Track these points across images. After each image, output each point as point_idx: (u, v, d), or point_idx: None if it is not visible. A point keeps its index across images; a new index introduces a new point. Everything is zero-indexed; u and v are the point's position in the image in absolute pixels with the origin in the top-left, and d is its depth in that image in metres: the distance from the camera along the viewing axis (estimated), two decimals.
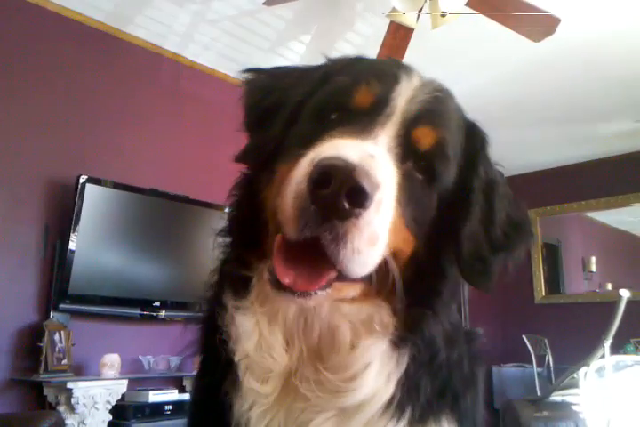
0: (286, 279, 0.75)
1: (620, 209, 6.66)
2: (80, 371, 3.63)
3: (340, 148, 0.74)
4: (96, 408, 3.28)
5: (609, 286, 6.73)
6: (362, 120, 0.84)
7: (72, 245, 3.56)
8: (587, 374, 3.85)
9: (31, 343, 3.42)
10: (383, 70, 0.92)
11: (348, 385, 0.82)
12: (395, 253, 0.82)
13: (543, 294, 6.97)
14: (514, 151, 6.46)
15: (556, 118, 5.64)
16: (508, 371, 6.30)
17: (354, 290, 0.83)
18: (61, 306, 3.51)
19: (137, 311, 3.84)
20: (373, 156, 0.75)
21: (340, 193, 0.68)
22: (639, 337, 5.55)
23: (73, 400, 3.19)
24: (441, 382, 0.89)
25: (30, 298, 3.54)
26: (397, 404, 0.84)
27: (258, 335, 0.86)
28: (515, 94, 5.11)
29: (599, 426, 3.67)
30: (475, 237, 0.90)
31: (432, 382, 0.88)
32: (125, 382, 3.47)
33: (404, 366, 0.85)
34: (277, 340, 0.86)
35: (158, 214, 4.08)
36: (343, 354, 0.84)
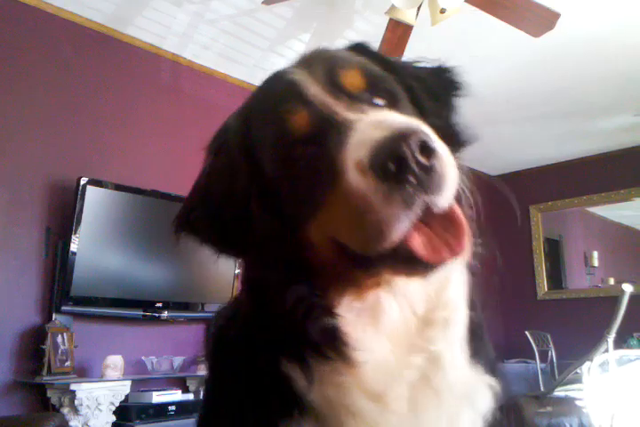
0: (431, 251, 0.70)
1: (621, 204, 6.65)
2: (83, 373, 3.63)
3: (369, 131, 0.70)
4: (99, 410, 3.27)
5: (611, 281, 6.72)
6: (321, 127, 0.77)
7: (74, 247, 3.55)
8: (590, 369, 3.85)
9: (34, 346, 3.41)
10: (290, 86, 0.82)
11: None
12: None
13: (545, 289, 6.95)
14: (514, 147, 6.46)
15: (556, 113, 5.63)
16: (512, 367, 6.29)
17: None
18: (64, 308, 3.50)
19: (139, 312, 3.83)
20: (384, 115, 0.74)
21: (416, 158, 0.65)
22: None
23: (76, 402, 3.19)
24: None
25: (32, 300, 3.54)
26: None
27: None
28: (514, 90, 5.10)
29: (603, 421, 3.67)
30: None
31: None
32: (129, 383, 3.46)
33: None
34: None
35: (160, 216, 4.06)
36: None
